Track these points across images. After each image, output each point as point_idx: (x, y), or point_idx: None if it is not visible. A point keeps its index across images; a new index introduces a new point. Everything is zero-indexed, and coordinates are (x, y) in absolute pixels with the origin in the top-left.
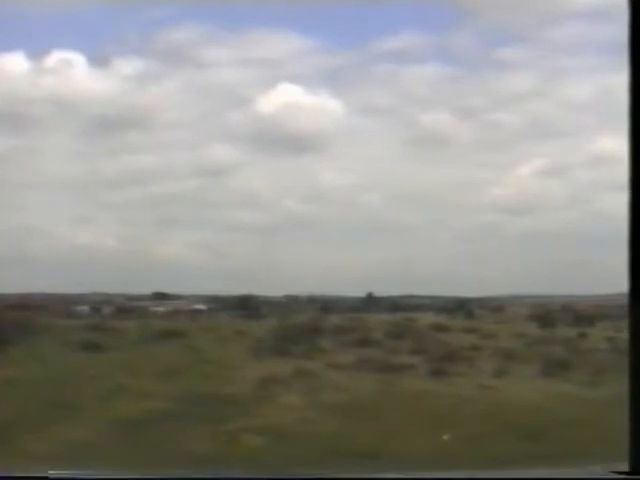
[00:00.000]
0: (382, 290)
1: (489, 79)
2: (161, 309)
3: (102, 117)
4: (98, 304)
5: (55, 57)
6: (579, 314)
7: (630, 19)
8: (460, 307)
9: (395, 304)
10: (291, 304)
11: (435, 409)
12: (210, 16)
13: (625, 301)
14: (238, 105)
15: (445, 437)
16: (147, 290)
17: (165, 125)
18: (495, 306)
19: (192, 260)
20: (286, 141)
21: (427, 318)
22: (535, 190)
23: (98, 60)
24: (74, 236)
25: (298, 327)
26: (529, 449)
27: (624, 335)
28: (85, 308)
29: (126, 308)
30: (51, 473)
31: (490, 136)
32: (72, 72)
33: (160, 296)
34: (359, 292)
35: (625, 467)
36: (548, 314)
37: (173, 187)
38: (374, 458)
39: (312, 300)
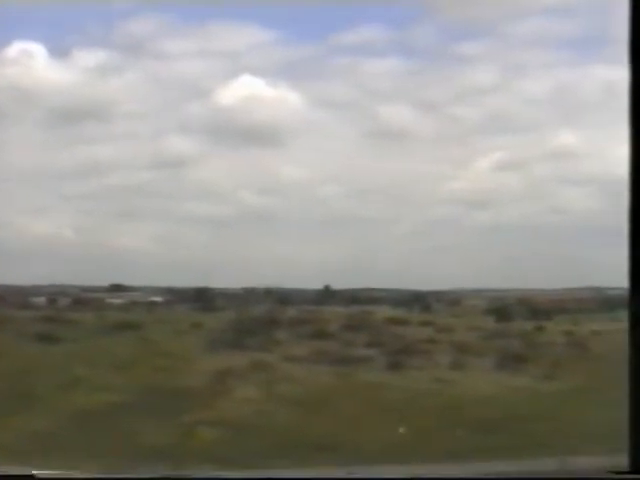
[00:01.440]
0: (339, 283)
1: (449, 73)
2: (117, 301)
3: (62, 108)
4: (54, 296)
5: (16, 48)
6: (536, 308)
7: (630, 18)
8: (417, 300)
9: (352, 297)
10: (248, 296)
11: (391, 402)
12: (170, 8)
13: (583, 295)
14: (197, 97)
15: (401, 430)
16: (104, 282)
17: (124, 116)
18: (452, 299)
19: (149, 252)
20: (245, 133)
21: (384, 311)
22: (493, 184)
23: (59, 51)
24: (31, 227)
25: (255, 319)
26: (485, 442)
27: (581, 329)
28: (42, 300)
29: (82, 300)
30: (36, 473)
31: (449, 130)
32: (32, 63)
33: (117, 288)
34: (316, 285)
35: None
36: (505, 308)
37: (132, 179)
38: (331, 450)
39: (269, 292)
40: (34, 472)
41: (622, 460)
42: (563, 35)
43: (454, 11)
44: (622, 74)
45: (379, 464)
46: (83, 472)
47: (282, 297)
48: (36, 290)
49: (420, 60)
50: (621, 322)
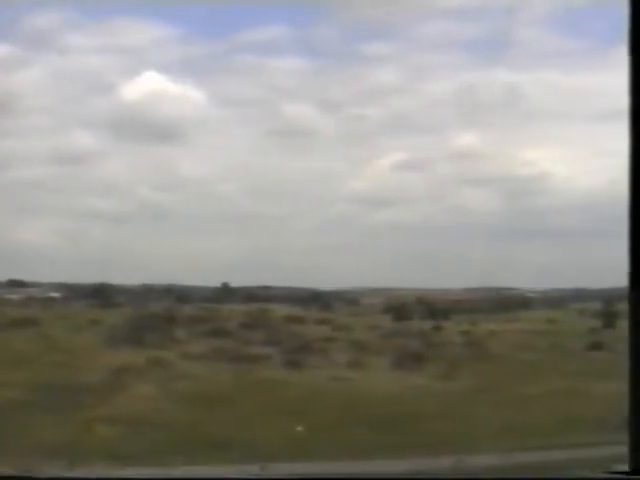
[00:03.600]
0: (238, 281)
1: (353, 73)
2: (15, 297)
3: None
4: None
5: None
6: (434, 307)
7: (630, 17)
8: (316, 299)
9: (251, 295)
10: (147, 293)
11: (289, 400)
12: (74, 3)
13: (480, 295)
14: (101, 92)
15: (299, 428)
16: (2, 277)
17: (27, 111)
18: (351, 298)
19: (48, 247)
20: (147, 129)
21: (282, 309)
22: (394, 183)
23: None
24: None
25: (153, 316)
26: (381, 440)
27: (478, 329)
28: None
29: None
30: (36, 473)
31: (352, 129)
32: None
33: (15, 283)
34: (215, 282)
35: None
36: (403, 307)
37: (32, 173)
38: (228, 448)
39: (168, 289)
40: (32, 474)
41: (514, 459)
42: (466, 38)
43: (359, 12)
44: (523, 77)
45: (276, 462)
46: (82, 473)
47: (181, 294)
48: None
49: (324, 60)
50: (517, 322)
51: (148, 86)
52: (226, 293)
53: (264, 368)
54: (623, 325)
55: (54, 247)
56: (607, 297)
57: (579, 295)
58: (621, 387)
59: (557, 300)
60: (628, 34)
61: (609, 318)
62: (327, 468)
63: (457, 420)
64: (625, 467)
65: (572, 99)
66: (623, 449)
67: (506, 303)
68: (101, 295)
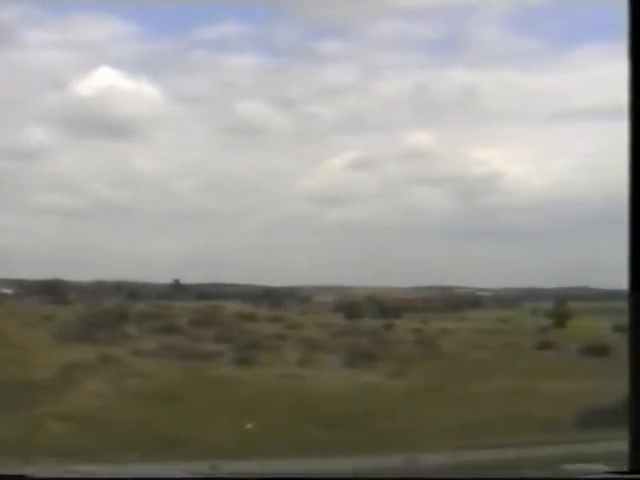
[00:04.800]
0: (190, 277)
1: (308, 71)
2: None
3: None
4: None
5: None
6: (386, 306)
7: (630, 17)
8: (267, 296)
9: (202, 292)
10: (99, 290)
11: (240, 397)
12: None
13: (432, 294)
14: (55, 88)
15: (249, 425)
16: None
17: None
18: (302, 296)
19: (0, 244)
20: (102, 125)
21: (234, 306)
22: (347, 182)
23: None
24: None
25: (105, 313)
26: (331, 437)
27: (429, 327)
28: None
29: None
30: (28, 471)
31: (305, 128)
32: None
33: None
34: (167, 279)
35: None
36: (355, 305)
37: None
38: (179, 445)
39: (120, 286)
40: (25, 473)
41: (464, 457)
42: (422, 37)
43: (315, 10)
44: (478, 76)
45: (226, 459)
46: (80, 473)
47: (133, 291)
48: None
49: (279, 58)
50: (469, 321)
51: (104, 82)
52: (178, 290)
53: (215, 365)
54: (573, 324)
55: (6, 243)
56: (559, 296)
57: (531, 294)
58: (571, 386)
59: (509, 299)
60: (628, 34)
61: (560, 317)
62: (278, 466)
63: (408, 418)
64: (575, 466)
65: (527, 99)
66: (574, 447)
67: (458, 302)
68: (54, 291)
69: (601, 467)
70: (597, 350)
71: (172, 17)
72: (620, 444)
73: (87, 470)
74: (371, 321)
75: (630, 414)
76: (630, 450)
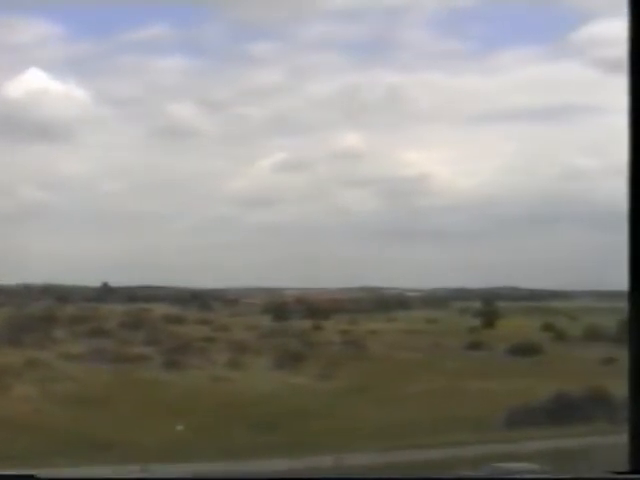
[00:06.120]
0: (118, 280)
1: (237, 73)
2: None
3: None
4: None
5: None
6: (314, 307)
7: (630, 17)
8: (195, 298)
9: (130, 294)
10: (25, 293)
11: (169, 400)
12: None
13: (360, 295)
14: None
15: (179, 428)
16: None
17: None
18: (230, 298)
19: None
20: (29, 128)
21: (161, 309)
22: (275, 183)
23: None
24: None
25: (32, 317)
26: (262, 439)
27: (358, 328)
28: None
29: None
30: (38, 472)
31: (234, 129)
32: None
33: None
34: (95, 282)
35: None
36: (283, 306)
37: None
38: (108, 449)
39: (47, 289)
40: (37, 472)
41: (392, 457)
42: (351, 39)
43: (244, 11)
44: (406, 78)
45: (157, 462)
46: (84, 473)
47: (60, 294)
48: None
49: (208, 59)
50: (397, 322)
51: (31, 84)
52: (106, 293)
53: (144, 368)
54: (502, 324)
55: None
56: (487, 296)
57: (460, 295)
58: (500, 385)
59: (438, 300)
60: (628, 34)
61: (489, 317)
62: (210, 467)
63: (337, 419)
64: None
65: (454, 101)
66: (503, 447)
67: (387, 303)
68: None
69: (527, 466)
70: (526, 350)
71: (99, 18)
72: (549, 442)
73: (96, 472)
74: (300, 323)
75: (630, 414)
76: (630, 450)
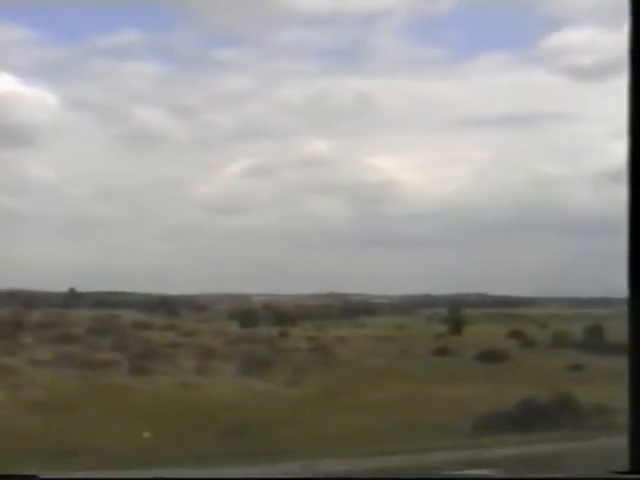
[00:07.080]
0: (86, 286)
1: (206, 79)
2: None
3: None
4: None
5: None
6: (281, 313)
7: (630, 17)
8: (163, 304)
9: (98, 300)
10: None
11: (136, 406)
12: None
13: (327, 301)
14: None
15: (146, 434)
16: None
17: None
18: (198, 305)
19: None
20: None
21: (129, 315)
22: (243, 190)
23: None
24: None
25: None
26: (229, 446)
27: (325, 335)
28: None
29: None
30: (40, 474)
31: (202, 135)
32: None
33: None
34: (62, 287)
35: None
36: (250, 313)
37: None
38: (74, 455)
39: (13, 295)
40: (39, 473)
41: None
42: (320, 45)
43: (212, 17)
44: (376, 85)
45: (124, 468)
46: (87, 473)
47: (27, 300)
48: None
49: (177, 65)
50: (365, 328)
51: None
52: (73, 298)
53: (111, 374)
54: (469, 331)
55: None
56: (455, 303)
57: (428, 301)
58: (467, 392)
59: (406, 306)
60: (628, 34)
61: (456, 324)
62: (178, 474)
63: (304, 426)
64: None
65: (425, 108)
66: (469, 453)
67: (354, 309)
68: None
69: (485, 473)
70: (492, 356)
71: (69, 23)
72: (516, 449)
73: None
74: (267, 329)
75: (630, 414)
76: (630, 450)
